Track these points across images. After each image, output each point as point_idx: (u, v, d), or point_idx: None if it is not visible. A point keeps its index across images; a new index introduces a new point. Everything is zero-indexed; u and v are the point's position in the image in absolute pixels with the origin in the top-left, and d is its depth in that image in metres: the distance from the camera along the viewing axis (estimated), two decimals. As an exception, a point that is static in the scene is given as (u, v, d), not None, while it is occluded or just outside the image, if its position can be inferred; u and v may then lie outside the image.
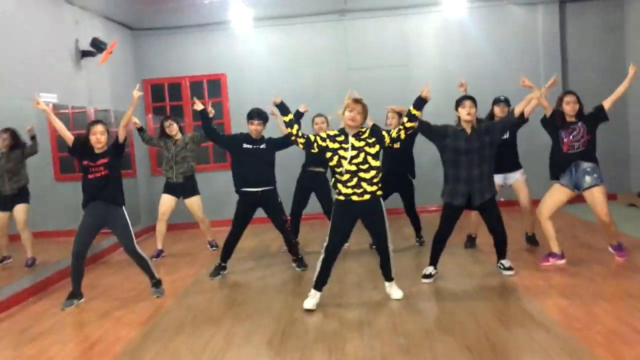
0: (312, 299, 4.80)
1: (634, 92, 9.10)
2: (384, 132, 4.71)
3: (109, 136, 5.28)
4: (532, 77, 9.22)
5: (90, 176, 5.21)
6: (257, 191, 5.90)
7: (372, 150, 4.64)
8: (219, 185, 9.20)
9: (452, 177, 5.25)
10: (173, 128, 7.20)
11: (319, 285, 4.84)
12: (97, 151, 5.20)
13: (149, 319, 4.86)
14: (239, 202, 6.00)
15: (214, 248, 7.55)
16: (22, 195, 6.38)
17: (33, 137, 6.48)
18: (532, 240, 6.62)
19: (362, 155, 4.61)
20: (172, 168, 7.18)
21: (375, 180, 4.65)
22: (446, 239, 5.40)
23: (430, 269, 5.46)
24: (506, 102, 6.50)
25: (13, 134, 6.33)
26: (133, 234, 5.34)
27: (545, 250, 5.89)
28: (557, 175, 5.68)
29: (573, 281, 5.12)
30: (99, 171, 5.19)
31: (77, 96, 7.39)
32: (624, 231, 6.39)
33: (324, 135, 4.75)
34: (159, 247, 7.39)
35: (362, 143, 4.64)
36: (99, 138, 5.14)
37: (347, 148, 4.63)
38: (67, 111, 7.40)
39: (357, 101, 4.63)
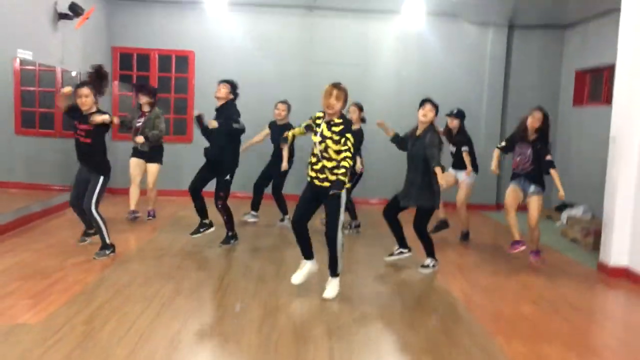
0: (299, 271, 5.00)
1: (563, 120, 10.08)
2: (345, 138, 4.64)
3: (95, 100, 5.69)
4: (475, 93, 10.16)
5: (75, 135, 5.71)
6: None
7: (333, 145, 4.64)
8: (178, 157, 9.69)
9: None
10: (142, 99, 7.61)
11: (303, 254, 5.01)
12: (84, 113, 5.62)
13: (106, 267, 5.38)
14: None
15: (151, 218, 7.93)
16: None
17: None
18: (465, 237, 7.44)
19: (323, 144, 4.68)
20: (133, 134, 7.66)
21: (337, 171, 4.64)
22: (387, 217, 5.95)
23: (395, 248, 6.16)
24: (457, 114, 7.25)
25: None
26: (95, 196, 5.68)
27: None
28: (512, 179, 6.47)
29: (481, 273, 5.93)
30: (81, 135, 5.66)
31: (49, 55, 7.72)
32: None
33: (314, 116, 4.88)
34: (132, 208, 7.80)
35: (329, 133, 4.67)
36: (83, 101, 5.57)
37: (317, 133, 4.76)
38: (33, 68, 7.67)
39: (333, 86, 4.69)
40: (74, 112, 5.73)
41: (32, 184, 8.04)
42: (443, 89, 9.83)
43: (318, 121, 4.83)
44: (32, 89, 7.89)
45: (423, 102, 5.72)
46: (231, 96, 6.46)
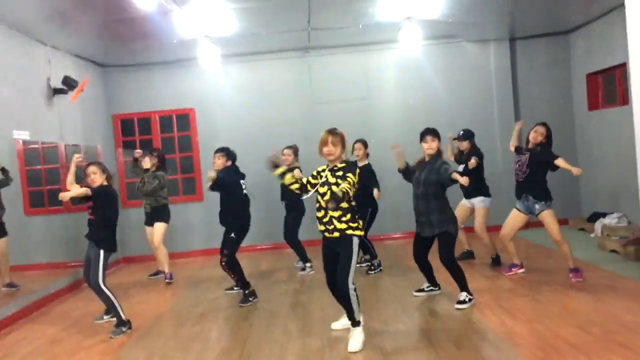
0: (341, 319, 5.01)
1: (580, 126, 9.73)
2: (346, 179, 4.40)
3: (106, 175, 5.62)
4: (486, 110, 9.88)
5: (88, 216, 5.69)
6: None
7: (339, 192, 4.29)
8: (189, 217, 9.49)
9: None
10: (145, 162, 7.47)
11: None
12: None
13: (122, 346, 5.07)
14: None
15: (168, 280, 7.63)
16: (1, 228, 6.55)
17: (3, 169, 6.57)
18: (497, 262, 7.03)
19: (329, 192, 4.43)
20: (142, 199, 7.76)
21: (344, 219, 4.47)
22: (418, 261, 5.80)
23: (425, 284, 5.99)
24: (464, 135, 7.01)
25: None
26: (100, 271, 5.48)
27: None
28: (518, 198, 6.28)
29: (520, 300, 5.50)
30: (89, 212, 5.64)
31: (48, 132, 7.62)
32: (576, 255, 6.67)
33: (314, 173, 4.70)
34: (159, 267, 7.95)
35: (333, 179, 4.49)
36: (92, 178, 5.52)
37: (322, 184, 4.57)
38: (37, 146, 7.60)
39: (328, 132, 4.58)
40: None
41: (46, 264, 7.86)
42: (452, 111, 9.59)
43: (322, 173, 4.64)
44: (37, 167, 7.80)
45: (423, 135, 5.59)
46: (229, 163, 6.47)
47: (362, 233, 4.61)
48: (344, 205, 4.44)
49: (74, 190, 5.46)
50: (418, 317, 5.37)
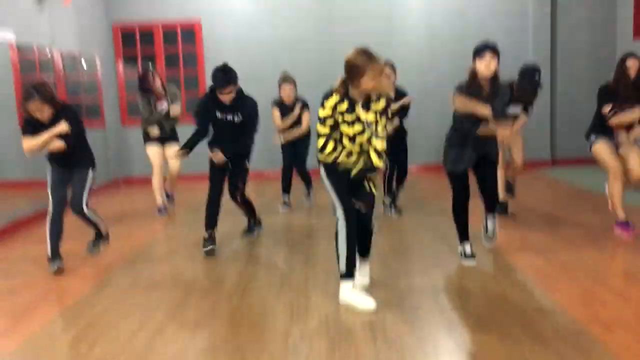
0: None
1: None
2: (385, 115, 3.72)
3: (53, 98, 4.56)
4: (519, 36, 8.99)
5: None
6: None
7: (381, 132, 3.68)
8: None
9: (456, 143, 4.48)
10: (157, 82, 6.57)
11: None
12: (46, 123, 4.54)
13: (108, 271, 4.58)
14: None
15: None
16: None
17: None
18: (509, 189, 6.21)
19: (367, 132, 3.65)
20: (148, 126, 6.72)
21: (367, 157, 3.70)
22: (465, 208, 4.55)
23: (468, 246, 4.57)
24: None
25: None
26: (87, 193, 4.79)
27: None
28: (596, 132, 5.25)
29: (557, 247, 4.90)
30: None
31: (37, 35, 6.91)
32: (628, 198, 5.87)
33: (331, 112, 3.66)
34: (159, 202, 6.87)
35: (372, 117, 3.67)
36: (41, 115, 4.45)
37: (352, 122, 3.63)
38: (33, 56, 7.04)
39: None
40: (32, 127, 4.55)
41: (40, 181, 7.40)
42: (481, 36, 8.66)
43: (343, 106, 3.57)
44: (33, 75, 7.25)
45: (481, 51, 4.19)
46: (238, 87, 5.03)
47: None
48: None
49: (57, 130, 4.48)
50: (443, 261, 4.80)
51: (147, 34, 9.12)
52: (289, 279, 4.26)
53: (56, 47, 7.29)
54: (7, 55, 6.62)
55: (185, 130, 6.21)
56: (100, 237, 5.00)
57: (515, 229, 5.44)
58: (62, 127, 4.48)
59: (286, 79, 6.58)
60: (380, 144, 3.61)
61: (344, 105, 3.56)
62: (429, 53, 8.73)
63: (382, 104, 3.63)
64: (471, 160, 4.37)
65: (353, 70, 3.47)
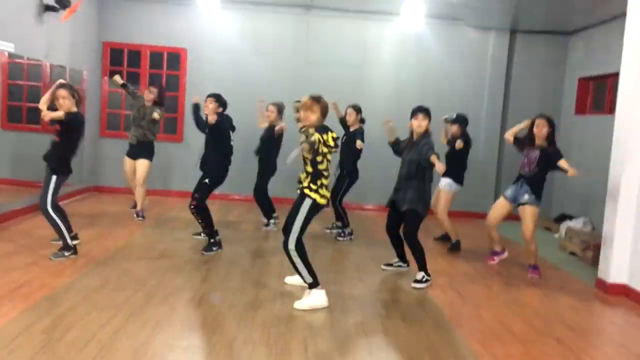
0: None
1: (565, 129, 9.81)
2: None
3: (76, 100, 5.48)
4: (475, 97, 9.90)
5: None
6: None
7: (307, 154, 4.54)
8: (168, 156, 9.46)
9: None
10: (149, 95, 7.55)
11: None
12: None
13: (78, 270, 5.11)
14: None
15: (140, 218, 7.62)
16: None
17: None
18: (456, 247, 7.14)
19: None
20: (131, 130, 7.64)
21: (307, 179, 4.61)
22: (389, 233, 5.87)
23: (394, 259, 6.09)
24: (457, 119, 7.08)
25: None
26: (50, 194, 5.45)
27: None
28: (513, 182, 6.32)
29: (474, 286, 5.65)
30: (55, 134, 5.50)
31: (34, 49, 7.47)
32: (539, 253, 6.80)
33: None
34: (138, 207, 7.70)
35: (303, 138, 4.59)
36: (61, 103, 5.37)
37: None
38: (22, 61, 7.49)
39: (311, 97, 4.62)
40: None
41: (16, 180, 7.82)
42: (442, 93, 9.60)
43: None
44: (20, 82, 7.69)
45: (415, 112, 5.57)
46: (219, 109, 6.27)
47: (317, 197, 4.59)
48: (308, 169, 4.58)
49: (54, 113, 5.34)
50: (374, 287, 5.47)
51: (135, 54, 9.72)
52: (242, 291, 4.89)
53: (50, 60, 7.82)
54: None
55: (160, 148, 6.92)
56: (66, 247, 5.52)
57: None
58: (60, 114, 5.31)
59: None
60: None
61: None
62: (396, 104, 9.48)
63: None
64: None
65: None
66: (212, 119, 6.16)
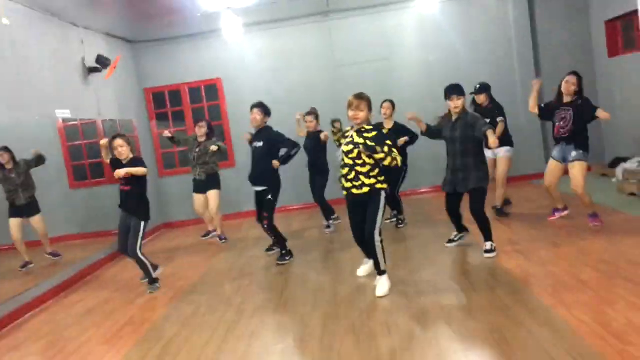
0: (363, 266, 5.60)
1: (601, 73, 9.78)
2: (385, 148, 4.66)
3: (131, 146, 5.97)
4: (506, 64, 10.00)
5: (120, 187, 6.02)
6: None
7: (365, 151, 4.70)
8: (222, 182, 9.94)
9: (446, 166, 5.87)
10: (200, 130, 7.98)
11: (365, 254, 5.47)
12: (123, 162, 5.89)
13: (170, 302, 5.60)
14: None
15: (224, 241, 8.23)
16: (34, 205, 6.86)
17: (39, 157, 6.88)
18: (500, 212, 7.34)
19: (356, 150, 4.78)
20: (196, 168, 8.08)
21: (372, 174, 4.82)
22: (451, 214, 6.03)
23: (453, 234, 6.25)
24: (480, 89, 7.19)
25: (9, 151, 6.64)
26: (139, 241, 5.94)
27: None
28: (554, 146, 6.46)
29: (539, 245, 5.84)
30: (122, 184, 5.93)
31: (86, 110, 8.10)
32: (596, 200, 6.90)
33: (344, 131, 5.22)
34: (209, 229, 8.48)
35: (361, 140, 4.75)
36: (119, 151, 5.85)
37: (348, 142, 4.91)
38: (76, 123, 8.10)
39: (355, 97, 4.81)
40: (114, 163, 5.99)
41: (93, 233, 8.43)
42: (472, 67, 9.73)
43: (347, 132, 5.01)
44: (78, 143, 8.30)
45: (448, 93, 5.68)
46: (267, 119, 6.60)
47: (386, 186, 4.92)
48: (371, 160, 4.78)
49: (132, 169, 5.68)
50: (440, 265, 5.75)
51: (175, 93, 10.29)
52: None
53: (101, 117, 8.44)
54: (55, 126, 7.51)
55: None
56: (152, 281, 6.08)
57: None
58: (142, 170, 5.77)
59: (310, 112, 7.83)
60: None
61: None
62: (427, 88, 9.70)
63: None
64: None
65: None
66: (257, 123, 6.54)
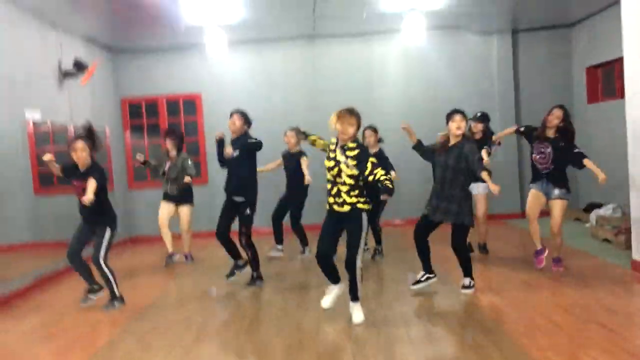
0: (327, 296, 5.10)
1: (580, 119, 9.88)
2: (368, 164, 4.56)
3: (93, 152, 5.52)
4: (488, 100, 10.02)
5: (75, 191, 5.53)
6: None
7: (347, 170, 4.59)
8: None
9: (432, 190, 5.57)
10: (170, 147, 7.61)
11: (330, 280, 5.05)
12: (81, 169, 5.45)
13: (128, 319, 5.32)
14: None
15: (190, 261, 7.86)
16: None
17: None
18: (483, 249, 7.22)
19: (337, 168, 4.64)
20: (167, 183, 7.65)
21: (352, 193, 4.64)
22: (418, 239, 5.61)
23: (420, 274, 5.76)
24: (481, 118, 7.00)
25: None
26: (104, 250, 5.57)
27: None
28: (532, 181, 6.30)
29: (513, 285, 5.72)
30: (80, 193, 5.35)
31: (58, 113, 7.83)
32: (570, 243, 6.85)
33: (330, 141, 4.88)
34: (170, 250, 7.77)
35: (343, 158, 4.61)
36: (78, 155, 5.37)
37: (330, 158, 4.73)
38: (47, 128, 7.80)
39: (347, 111, 4.62)
40: (69, 171, 5.55)
41: (57, 242, 8.07)
42: (452, 102, 9.63)
43: (332, 147, 4.80)
44: (47, 147, 7.99)
45: (452, 114, 5.36)
46: (246, 127, 6.31)
47: (370, 208, 4.72)
48: (351, 181, 4.63)
49: (90, 188, 5.18)
50: (413, 299, 5.58)
51: (152, 105, 10.08)
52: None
53: (73, 122, 8.17)
54: (25, 130, 7.22)
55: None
56: (114, 297, 5.68)
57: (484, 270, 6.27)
58: (93, 185, 5.18)
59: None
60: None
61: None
62: (407, 120, 9.65)
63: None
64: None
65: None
66: (236, 130, 6.20)
